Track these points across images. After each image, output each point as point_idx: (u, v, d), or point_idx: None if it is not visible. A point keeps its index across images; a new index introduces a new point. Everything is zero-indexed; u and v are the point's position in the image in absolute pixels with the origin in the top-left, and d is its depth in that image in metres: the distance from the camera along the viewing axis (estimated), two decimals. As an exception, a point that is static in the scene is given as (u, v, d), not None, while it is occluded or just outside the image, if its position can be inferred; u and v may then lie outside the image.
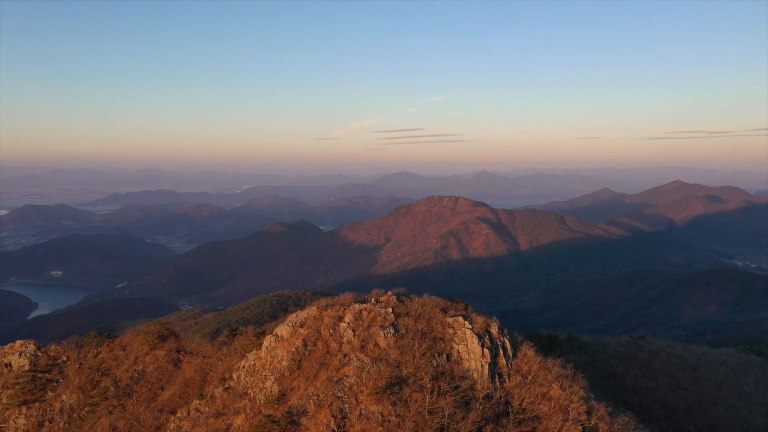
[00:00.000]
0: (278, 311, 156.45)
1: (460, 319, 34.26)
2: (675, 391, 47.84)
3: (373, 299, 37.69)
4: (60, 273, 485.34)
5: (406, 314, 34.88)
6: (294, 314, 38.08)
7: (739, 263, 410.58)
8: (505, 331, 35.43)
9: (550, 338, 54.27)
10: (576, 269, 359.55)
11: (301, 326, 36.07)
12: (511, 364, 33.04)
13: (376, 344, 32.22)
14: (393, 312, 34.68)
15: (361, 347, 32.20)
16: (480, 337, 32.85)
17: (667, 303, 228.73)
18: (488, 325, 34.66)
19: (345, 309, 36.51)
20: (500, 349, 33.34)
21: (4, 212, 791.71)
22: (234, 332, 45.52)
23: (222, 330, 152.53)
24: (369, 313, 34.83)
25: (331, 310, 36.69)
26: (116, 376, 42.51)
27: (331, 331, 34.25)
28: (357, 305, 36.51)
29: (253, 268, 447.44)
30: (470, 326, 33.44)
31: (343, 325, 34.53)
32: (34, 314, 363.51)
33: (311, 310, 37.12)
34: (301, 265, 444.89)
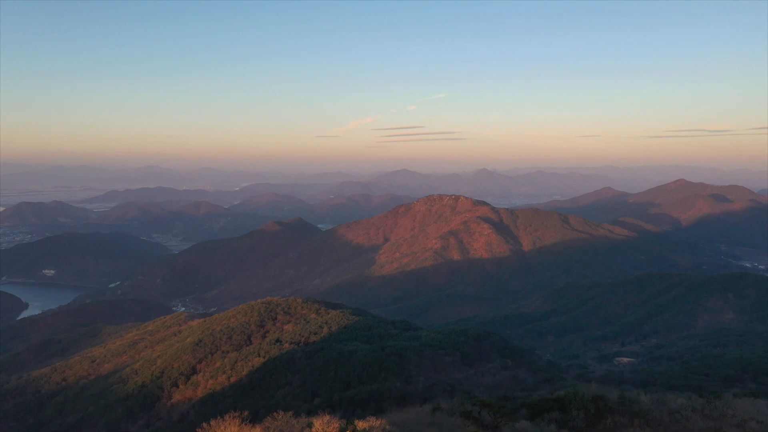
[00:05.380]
0: (266, 320, 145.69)
1: None
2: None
3: None
4: (52, 272, 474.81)
5: None
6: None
7: (748, 264, 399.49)
8: None
9: (596, 401, 36.52)
10: (581, 271, 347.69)
11: None
12: None
13: None
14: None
15: None
16: None
17: (680, 309, 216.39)
18: None
19: None
20: None
21: (0, 209, 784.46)
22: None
23: (204, 340, 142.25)
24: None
25: None
26: None
27: None
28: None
29: (249, 268, 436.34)
30: None
31: None
32: (24, 314, 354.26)
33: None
34: (298, 266, 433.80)
